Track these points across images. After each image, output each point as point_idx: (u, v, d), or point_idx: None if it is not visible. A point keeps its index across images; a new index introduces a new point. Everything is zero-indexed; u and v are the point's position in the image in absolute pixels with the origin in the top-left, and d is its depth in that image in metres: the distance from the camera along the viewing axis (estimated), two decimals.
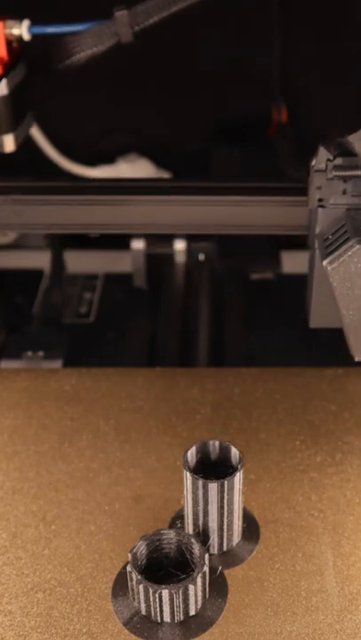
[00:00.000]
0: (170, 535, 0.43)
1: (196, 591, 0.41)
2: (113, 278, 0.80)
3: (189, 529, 0.45)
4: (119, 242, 0.80)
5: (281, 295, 0.76)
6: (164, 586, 0.40)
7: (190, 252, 0.76)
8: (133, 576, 0.41)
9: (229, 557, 0.45)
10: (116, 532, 0.47)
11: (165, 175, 0.82)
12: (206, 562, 0.41)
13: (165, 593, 0.40)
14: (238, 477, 0.43)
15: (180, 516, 0.47)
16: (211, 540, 0.45)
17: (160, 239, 0.76)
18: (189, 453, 0.44)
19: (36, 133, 0.81)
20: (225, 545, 0.45)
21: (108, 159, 0.82)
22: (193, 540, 0.42)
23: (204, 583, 0.42)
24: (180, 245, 0.76)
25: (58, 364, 0.64)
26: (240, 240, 0.82)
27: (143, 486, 0.50)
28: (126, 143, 0.83)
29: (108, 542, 0.47)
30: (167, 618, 0.41)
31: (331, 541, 0.46)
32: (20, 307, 0.75)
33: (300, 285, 0.78)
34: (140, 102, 0.82)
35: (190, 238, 0.76)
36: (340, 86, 0.79)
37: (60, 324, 0.73)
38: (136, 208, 0.57)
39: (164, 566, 0.43)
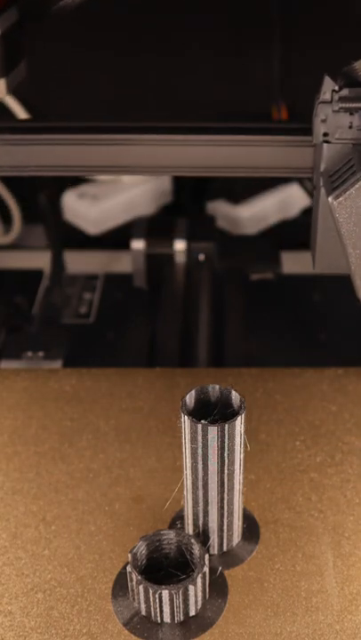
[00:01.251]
0: (170, 535, 0.43)
1: (196, 591, 0.41)
2: (113, 278, 0.80)
3: (189, 529, 0.45)
4: (119, 242, 0.80)
5: (281, 295, 0.76)
6: (164, 586, 0.40)
7: (190, 252, 0.76)
8: (133, 576, 0.41)
9: (229, 558, 0.45)
10: (116, 532, 0.47)
11: (165, 175, 0.82)
12: (206, 562, 0.41)
13: (165, 593, 0.40)
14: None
15: (180, 517, 0.47)
16: (211, 541, 0.45)
17: (160, 239, 0.76)
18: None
19: None
20: (225, 545, 0.45)
21: None
22: (193, 540, 0.42)
23: (204, 584, 0.42)
24: (179, 245, 0.76)
25: (58, 364, 0.64)
26: (240, 240, 0.82)
27: (143, 486, 0.50)
28: None
29: (107, 543, 0.46)
30: (167, 618, 0.41)
31: (331, 542, 0.46)
32: (20, 307, 0.75)
33: (300, 285, 0.78)
34: (139, 104, 0.82)
35: (190, 238, 0.76)
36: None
37: (60, 324, 0.73)
38: (132, 148, 0.54)
39: (164, 567, 0.43)
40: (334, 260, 0.51)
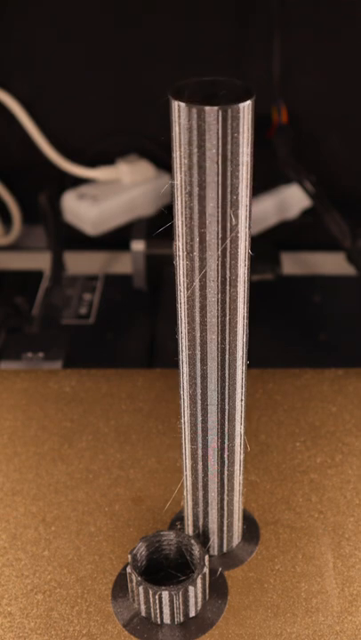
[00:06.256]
0: (170, 536, 0.43)
1: (196, 592, 0.41)
2: (113, 279, 0.80)
3: (189, 530, 0.45)
4: (119, 243, 0.80)
5: (281, 295, 0.76)
6: (164, 587, 0.40)
7: None
8: (133, 577, 0.41)
9: (229, 559, 0.45)
10: (116, 533, 0.47)
11: (166, 176, 0.82)
12: (206, 563, 0.41)
13: (165, 594, 0.40)
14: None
15: (179, 518, 0.47)
16: (211, 542, 0.45)
17: (160, 240, 0.76)
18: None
19: (35, 135, 0.81)
20: (225, 546, 0.45)
21: (108, 160, 0.82)
22: (193, 541, 0.42)
23: (204, 584, 0.42)
24: None
25: (58, 364, 0.64)
26: None
27: (143, 487, 0.50)
28: (126, 144, 0.83)
29: (107, 543, 0.46)
30: (167, 619, 0.41)
31: (331, 543, 0.46)
32: (20, 307, 0.75)
33: (300, 286, 0.78)
34: (139, 104, 0.82)
35: None
36: (342, 86, 0.79)
37: (60, 324, 0.73)
38: None
39: (164, 567, 0.43)
40: None
